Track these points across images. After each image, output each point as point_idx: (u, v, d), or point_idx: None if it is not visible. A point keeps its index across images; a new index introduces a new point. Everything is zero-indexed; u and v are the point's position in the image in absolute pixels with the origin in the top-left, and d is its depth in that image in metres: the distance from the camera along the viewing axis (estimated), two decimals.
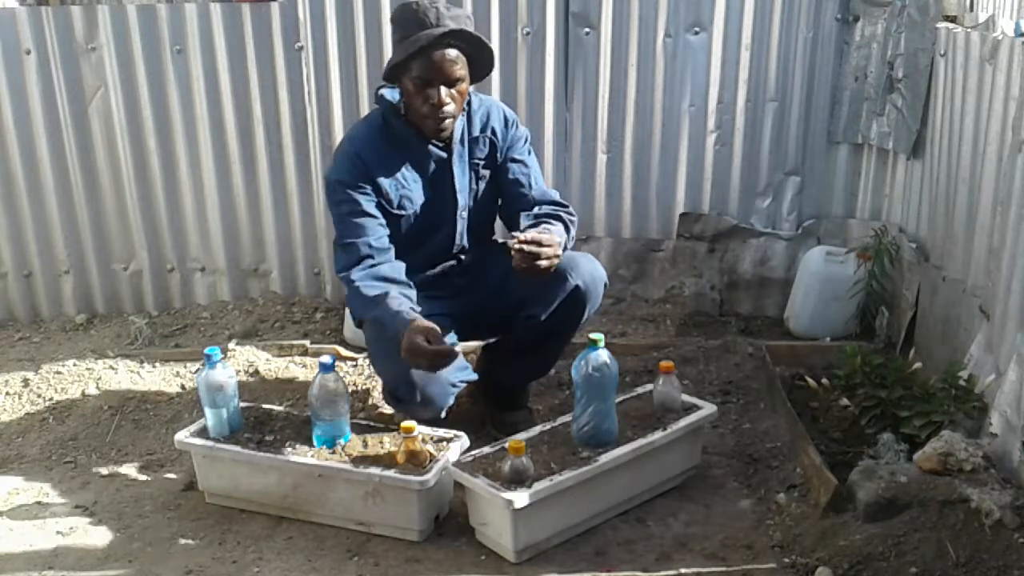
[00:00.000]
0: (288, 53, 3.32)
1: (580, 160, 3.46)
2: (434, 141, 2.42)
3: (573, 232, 2.48)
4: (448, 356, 2.17)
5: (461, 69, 2.31)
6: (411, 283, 2.41)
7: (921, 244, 3.09)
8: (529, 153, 2.60)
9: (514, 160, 2.55)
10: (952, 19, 3.14)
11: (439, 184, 2.49)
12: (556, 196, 2.57)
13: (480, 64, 2.38)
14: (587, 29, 3.33)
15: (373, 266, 2.37)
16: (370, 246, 2.38)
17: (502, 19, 3.29)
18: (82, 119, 3.36)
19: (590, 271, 2.47)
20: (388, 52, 3.28)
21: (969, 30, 2.85)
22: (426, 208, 2.49)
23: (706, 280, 3.56)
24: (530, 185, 2.55)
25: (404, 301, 2.30)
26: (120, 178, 3.44)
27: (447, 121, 2.35)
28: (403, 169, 2.44)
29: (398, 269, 2.41)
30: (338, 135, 3.37)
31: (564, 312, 2.47)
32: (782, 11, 3.32)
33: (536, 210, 2.48)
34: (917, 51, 3.10)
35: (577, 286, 2.43)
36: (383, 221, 2.42)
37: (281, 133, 3.42)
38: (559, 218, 2.45)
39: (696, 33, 3.34)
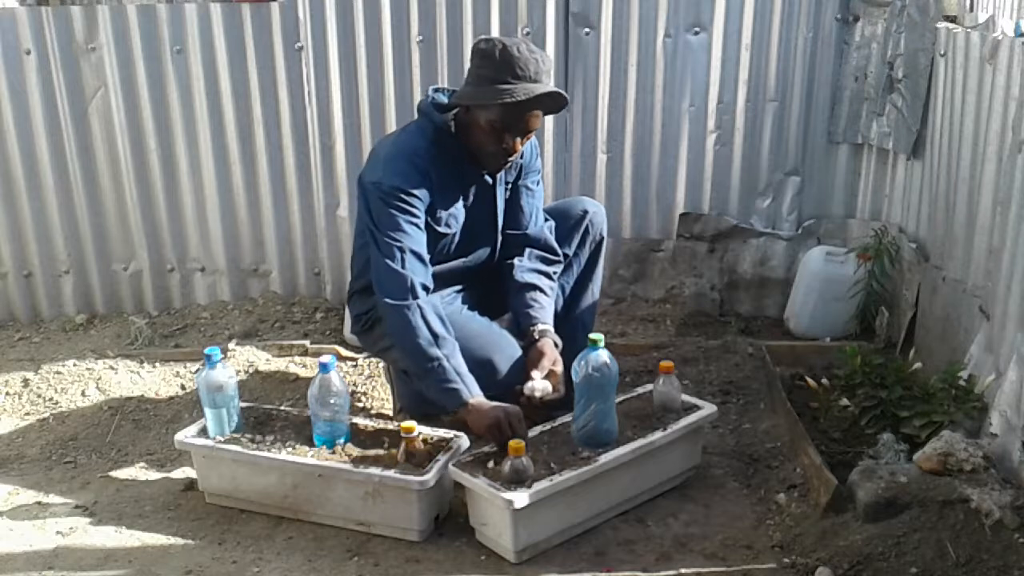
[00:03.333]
0: (288, 53, 3.32)
1: (580, 160, 3.46)
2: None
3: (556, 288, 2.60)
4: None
5: (540, 123, 2.37)
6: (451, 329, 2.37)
7: (921, 244, 3.09)
8: (538, 184, 2.64)
9: (526, 187, 2.59)
10: (952, 19, 3.13)
11: (479, 206, 2.50)
12: (547, 236, 2.60)
13: (550, 111, 2.41)
14: (587, 29, 3.33)
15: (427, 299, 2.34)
16: (423, 285, 2.33)
17: (502, 19, 3.29)
18: (82, 119, 3.36)
19: (591, 202, 2.75)
20: (388, 53, 3.30)
21: (969, 30, 2.84)
22: (466, 228, 2.50)
23: (706, 280, 3.56)
24: (531, 216, 2.60)
25: (462, 364, 2.28)
26: (120, 178, 3.44)
27: (510, 163, 2.41)
28: (453, 188, 2.44)
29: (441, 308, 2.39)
30: (338, 135, 3.38)
31: (581, 240, 2.66)
32: (782, 11, 3.32)
33: (528, 261, 2.55)
34: (917, 51, 3.10)
35: (585, 210, 2.67)
36: (426, 239, 2.38)
37: (281, 133, 3.42)
38: (547, 279, 2.55)
39: (696, 33, 3.34)
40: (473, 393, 2.25)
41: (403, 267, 2.30)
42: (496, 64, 2.26)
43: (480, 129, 2.31)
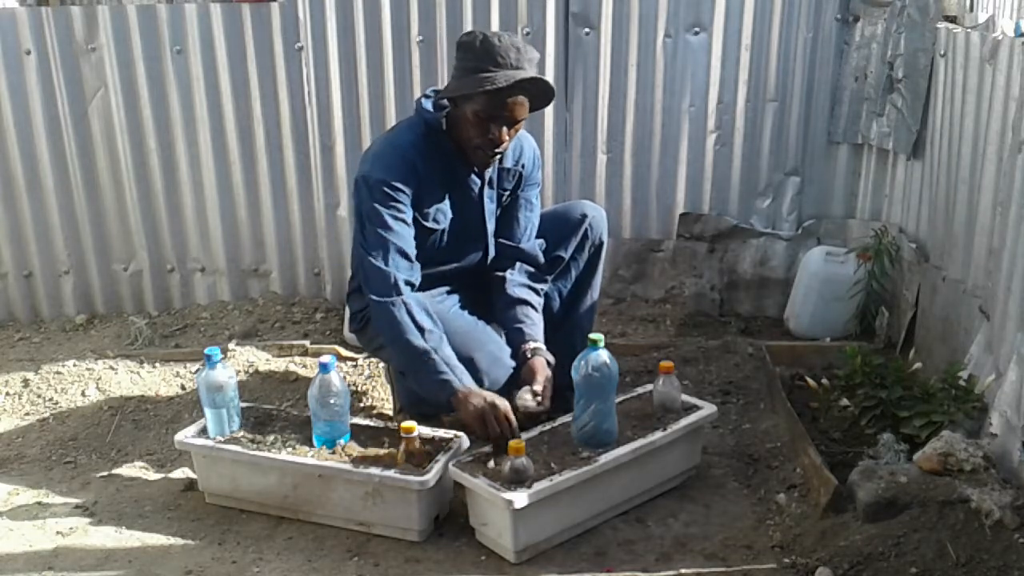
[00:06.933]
0: (288, 53, 3.32)
1: (580, 160, 3.46)
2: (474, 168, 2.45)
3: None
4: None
5: (525, 112, 2.34)
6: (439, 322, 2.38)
7: (921, 244, 3.09)
8: (536, 198, 2.64)
9: (527, 200, 2.60)
10: (952, 19, 3.14)
11: (467, 205, 2.50)
12: (538, 254, 2.60)
13: (537, 102, 2.38)
14: (587, 29, 3.33)
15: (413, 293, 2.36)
16: (407, 281, 2.34)
17: (502, 19, 3.29)
18: (82, 119, 3.36)
19: (592, 205, 2.72)
20: (388, 53, 3.30)
21: (969, 30, 2.85)
22: (455, 226, 2.50)
23: (706, 280, 3.56)
24: (526, 230, 2.60)
25: (451, 356, 2.29)
26: (120, 178, 3.44)
27: (497, 157, 2.39)
28: (439, 184, 2.44)
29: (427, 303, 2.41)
30: (338, 135, 3.38)
31: (580, 244, 2.64)
32: (782, 11, 3.32)
33: (519, 276, 2.56)
34: (917, 51, 3.10)
35: (584, 214, 2.64)
36: (414, 235, 2.39)
37: (281, 133, 3.42)
38: (536, 295, 2.56)
39: (696, 33, 3.34)
40: (464, 382, 2.26)
41: (387, 263, 2.33)
42: (477, 54, 2.28)
43: (467, 121, 2.31)
